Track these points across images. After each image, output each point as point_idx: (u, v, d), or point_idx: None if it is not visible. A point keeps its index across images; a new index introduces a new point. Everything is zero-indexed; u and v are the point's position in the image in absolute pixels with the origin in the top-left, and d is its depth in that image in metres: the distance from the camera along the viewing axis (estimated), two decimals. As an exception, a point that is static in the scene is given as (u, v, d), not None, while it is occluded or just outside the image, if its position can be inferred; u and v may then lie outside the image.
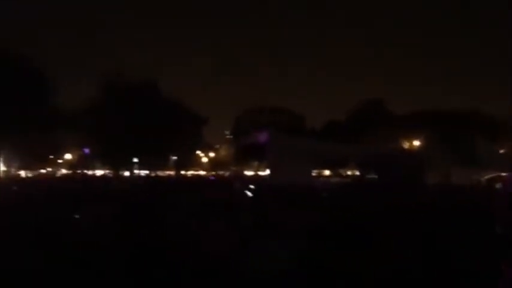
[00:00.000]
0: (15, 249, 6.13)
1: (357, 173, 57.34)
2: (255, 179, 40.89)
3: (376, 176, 38.46)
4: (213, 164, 72.84)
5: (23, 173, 46.84)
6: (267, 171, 37.11)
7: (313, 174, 40.75)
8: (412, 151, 47.78)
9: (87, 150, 52.18)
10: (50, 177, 44.99)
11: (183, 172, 60.69)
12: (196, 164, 71.94)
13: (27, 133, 34.43)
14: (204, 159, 74.12)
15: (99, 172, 57.68)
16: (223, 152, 74.21)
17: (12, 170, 45.93)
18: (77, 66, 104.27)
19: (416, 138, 50.66)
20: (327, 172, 63.21)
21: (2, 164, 47.15)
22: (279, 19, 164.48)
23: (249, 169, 65.36)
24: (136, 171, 53.65)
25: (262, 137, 34.49)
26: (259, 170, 59.02)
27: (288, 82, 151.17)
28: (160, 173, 56.72)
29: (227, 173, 63.47)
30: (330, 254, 6.44)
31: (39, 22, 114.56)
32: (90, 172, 56.38)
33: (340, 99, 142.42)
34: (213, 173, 64.91)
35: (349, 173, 61.50)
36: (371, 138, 46.76)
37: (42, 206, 10.77)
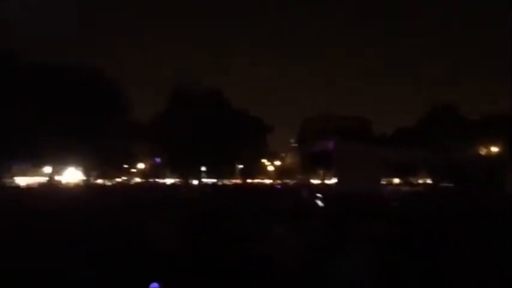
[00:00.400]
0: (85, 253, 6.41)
1: (429, 181, 54.77)
2: (322, 187, 40.36)
3: (450, 184, 36.54)
4: (278, 173, 72.99)
5: (100, 182, 49.64)
6: (334, 180, 36.44)
7: (382, 182, 39.46)
8: (489, 157, 44.83)
9: (158, 160, 54.48)
10: (125, 185, 47.37)
11: (249, 180, 61.35)
12: (262, 172, 72.49)
13: (104, 143, 36.53)
14: (270, 168, 74.48)
15: (169, 181, 59.81)
16: (288, 160, 74.21)
17: (91, 179, 48.85)
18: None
19: (493, 144, 47.47)
20: (396, 180, 60.98)
21: (81, 173, 50.46)
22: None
23: (315, 177, 64.69)
24: (204, 180, 55.08)
25: (328, 144, 33.96)
26: (325, 179, 58.20)
27: (353, 88, 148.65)
28: (226, 182, 57.73)
29: (293, 182, 63.22)
30: (401, 264, 6.23)
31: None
32: (161, 181, 58.61)
33: (410, 104, 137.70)
34: (279, 181, 64.95)
35: (420, 181, 58.90)
36: (443, 144, 44.54)
37: (118, 214, 11.30)
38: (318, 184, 52.80)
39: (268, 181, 68.60)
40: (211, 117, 43.63)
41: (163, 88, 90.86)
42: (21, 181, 47.52)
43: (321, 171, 60.96)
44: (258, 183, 62.47)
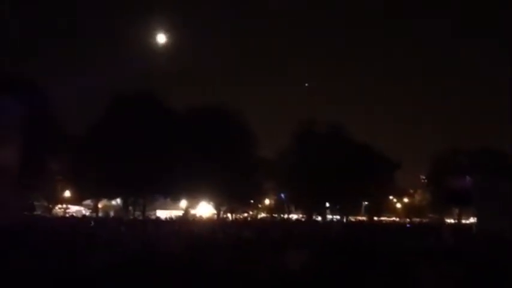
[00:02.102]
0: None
1: None
2: (458, 227, 37.24)
3: None
4: (407, 210, 69.05)
5: (229, 216, 52.00)
6: (473, 219, 33.53)
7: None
8: None
9: (283, 195, 55.48)
10: (253, 219, 49.09)
11: (375, 218, 58.96)
12: (389, 209, 69.21)
13: (234, 179, 38.52)
14: (398, 205, 70.91)
15: (293, 216, 60.25)
16: (418, 197, 69.86)
17: (221, 213, 51.47)
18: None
19: None
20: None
21: (212, 207, 53.50)
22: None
23: (448, 216, 59.75)
24: (328, 216, 54.40)
25: (465, 180, 31.70)
26: (461, 218, 53.45)
27: (487, 118, 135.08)
28: (351, 219, 56.25)
29: (423, 220, 59.24)
30: None
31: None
32: (285, 216, 59.32)
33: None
34: (408, 219, 61.34)
35: None
36: None
37: (251, 247, 11.80)
38: (453, 223, 48.75)
39: (395, 219, 65.18)
40: (336, 152, 43.47)
41: (287, 124, 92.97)
42: (161, 214, 52.19)
43: (456, 210, 56.11)
44: (385, 221, 59.65)
